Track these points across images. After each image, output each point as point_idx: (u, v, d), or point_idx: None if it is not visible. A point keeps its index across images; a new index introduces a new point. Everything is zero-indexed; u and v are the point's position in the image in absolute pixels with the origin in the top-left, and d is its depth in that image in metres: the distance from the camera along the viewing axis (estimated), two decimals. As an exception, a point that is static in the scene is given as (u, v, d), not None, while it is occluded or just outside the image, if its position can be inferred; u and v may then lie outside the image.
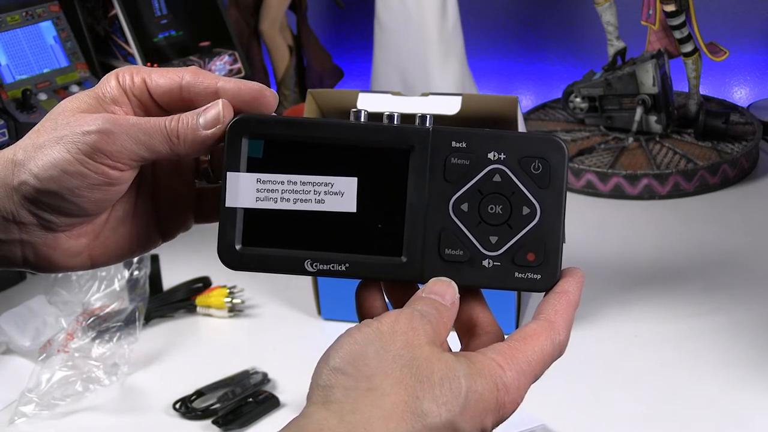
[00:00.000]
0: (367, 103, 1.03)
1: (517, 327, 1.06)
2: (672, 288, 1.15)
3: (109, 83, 0.55)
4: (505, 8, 1.71)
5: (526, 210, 0.53)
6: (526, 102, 1.67)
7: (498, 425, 0.53)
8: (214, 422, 0.95)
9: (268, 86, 0.56)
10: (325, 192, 0.54)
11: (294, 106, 1.42)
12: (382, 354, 0.49)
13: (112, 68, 1.26)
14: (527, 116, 1.54)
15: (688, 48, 1.43)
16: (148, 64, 1.25)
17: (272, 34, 1.48)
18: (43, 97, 1.18)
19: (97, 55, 1.24)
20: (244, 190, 0.54)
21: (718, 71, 1.61)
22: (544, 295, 0.54)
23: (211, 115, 0.53)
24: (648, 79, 1.41)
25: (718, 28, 1.56)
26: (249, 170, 0.54)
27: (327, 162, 0.53)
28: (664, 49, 1.43)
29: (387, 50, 1.39)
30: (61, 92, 1.20)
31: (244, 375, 1.01)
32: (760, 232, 1.27)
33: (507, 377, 0.51)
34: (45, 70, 1.21)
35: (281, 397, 0.99)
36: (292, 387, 1.00)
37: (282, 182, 0.54)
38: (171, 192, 0.59)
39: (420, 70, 1.37)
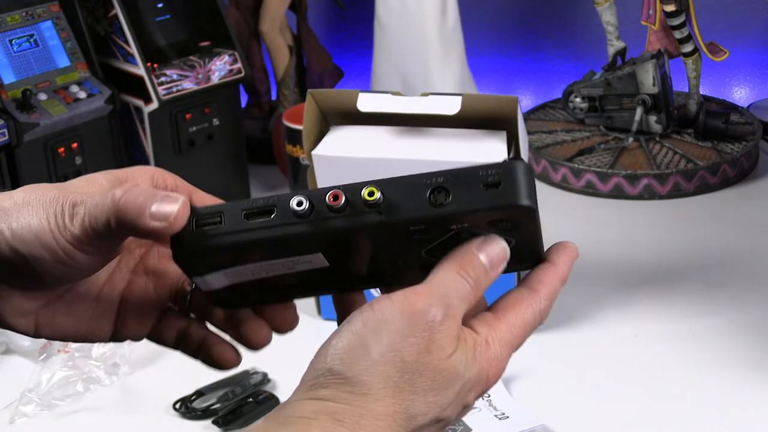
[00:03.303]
0: (367, 103, 1.03)
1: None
2: (672, 288, 1.15)
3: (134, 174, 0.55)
4: (505, 8, 1.71)
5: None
6: (526, 102, 1.67)
7: (481, 396, 0.53)
8: (214, 422, 0.95)
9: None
10: (293, 263, 0.53)
11: (294, 106, 1.42)
12: (387, 357, 0.49)
13: (112, 68, 1.27)
14: (527, 116, 1.54)
15: (688, 48, 1.43)
16: (148, 64, 1.25)
17: (272, 34, 1.48)
18: (43, 97, 1.18)
19: (97, 55, 1.24)
20: (213, 280, 0.53)
21: (718, 71, 1.61)
22: None
23: (163, 212, 0.50)
24: (648, 79, 1.41)
25: (718, 28, 1.56)
26: (212, 271, 0.53)
27: (286, 251, 0.52)
28: (664, 49, 1.43)
29: (387, 50, 1.39)
30: (61, 92, 1.20)
31: (244, 375, 1.01)
32: (760, 232, 1.27)
33: (492, 352, 0.52)
34: (45, 70, 1.21)
35: (281, 397, 0.99)
36: (292, 387, 1.00)
37: (249, 269, 0.53)
38: (140, 301, 0.57)
39: (420, 70, 1.37)
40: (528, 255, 0.55)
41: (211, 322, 0.59)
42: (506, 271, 0.54)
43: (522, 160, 0.51)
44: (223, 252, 0.51)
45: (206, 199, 0.56)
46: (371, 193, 0.49)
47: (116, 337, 0.58)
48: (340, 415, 0.48)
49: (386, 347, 0.49)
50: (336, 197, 0.50)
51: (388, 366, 0.49)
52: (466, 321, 0.52)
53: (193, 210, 0.51)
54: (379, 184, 0.50)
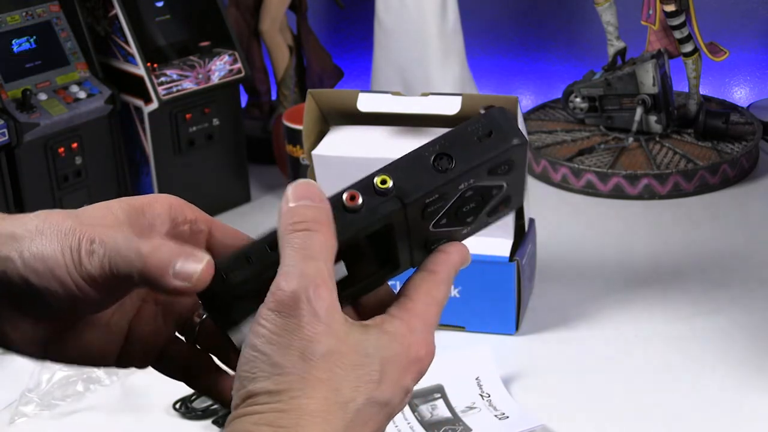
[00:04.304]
0: (367, 103, 1.03)
1: (517, 328, 1.06)
2: (672, 288, 1.15)
3: (155, 204, 0.54)
4: (505, 8, 1.71)
5: (495, 191, 0.55)
6: (526, 102, 1.68)
7: (420, 379, 0.52)
8: (214, 422, 0.95)
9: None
10: None
11: (294, 106, 1.42)
12: (295, 357, 0.48)
13: (112, 68, 1.27)
14: (527, 116, 1.54)
15: (688, 48, 1.43)
16: (148, 64, 1.25)
17: (272, 34, 1.48)
18: (43, 97, 1.18)
19: (97, 55, 1.24)
20: (247, 326, 0.53)
21: (718, 71, 1.61)
22: None
23: (187, 271, 0.50)
24: (648, 79, 1.41)
25: (718, 28, 1.56)
26: (244, 318, 0.52)
27: None
28: (664, 49, 1.43)
29: (387, 50, 1.39)
30: (61, 92, 1.20)
31: (244, 375, 1.01)
32: (760, 232, 1.27)
33: (415, 333, 0.51)
34: (45, 70, 1.21)
35: (281, 397, 0.98)
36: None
37: None
38: (147, 329, 0.57)
39: (420, 70, 1.37)
40: (515, 195, 0.56)
41: (218, 357, 0.58)
42: (496, 219, 0.57)
43: (495, 106, 0.54)
44: (254, 294, 0.51)
45: (226, 230, 0.56)
46: (384, 181, 0.51)
47: (121, 363, 0.57)
48: (279, 421, 0.47)
49: (283, 350, 0.48)
50: (353, 197, 0.51)
51: (298, 364, 0.48)
52: (385, 313, 0.52)
53: (218, 263, 0.51)
54: (386, 171, 0.51)
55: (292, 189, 0.50)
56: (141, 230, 0.53)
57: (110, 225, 0.52)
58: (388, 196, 0.51)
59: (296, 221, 0.49)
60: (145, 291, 0.57)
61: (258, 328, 0.48)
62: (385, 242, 0.53)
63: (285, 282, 0.48)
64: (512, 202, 0.57)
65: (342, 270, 0.53)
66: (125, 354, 0.57)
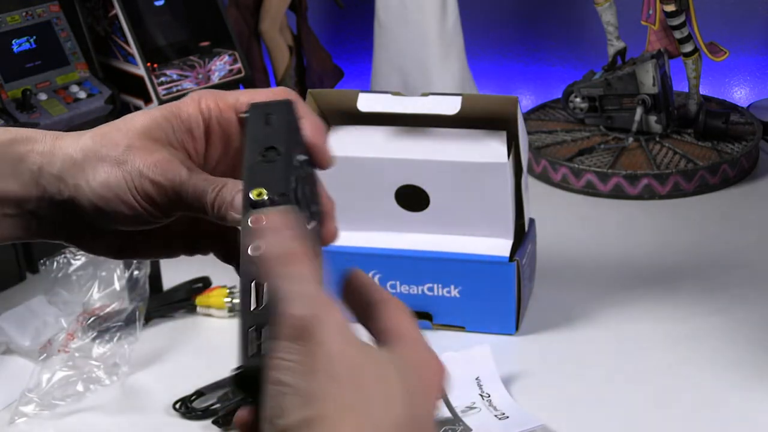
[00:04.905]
0: (367, 103, 1.03)
1: (517, 328, 1.06)
2: (672, 288, 1.15)
3: (188, 109, 0.56)
4: (505, 8, 1.71)
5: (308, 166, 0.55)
6: (526, 102, 1.67)
7: (441, 397, 0.50)
8: (214, 422, 0.95)
9: (268, 86, 0.56)
10: None
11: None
12: (323, 381, 0.45)
13: (112, 68, 1.27)
14: (527, 116, 1.54)
15: (688, 48, 1.43)
16: (148, 64, 1.25)
17: (272, 34, 1.48)
18: (43, 97, 1.18)
19: (97, 55, 1.24)
20: None
21: (718, 71, 1.61)
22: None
23: (237, 204, 0.53)
24: (648, 79, 1.41)
25: (718, 28, 1.56)
26: None
27: None
28: (664, 49, 1.43)
29: (387, 50, 1.39)
30: (61, 92, 1.20)
31: (244, 375, 1.01)
32: (760, 232, 1.27)
33: (422, 352, 0.50)
34: (45, 70, 1.21)
35: (281, 397, 0.98)
36: (292, 387, 1.00)
37: None
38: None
39: (420, 70, 1.37)
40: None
41: None
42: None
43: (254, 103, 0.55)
44: None
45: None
46: (260, 194, 0.50)
47: (193, 249, 0.60)
48: None
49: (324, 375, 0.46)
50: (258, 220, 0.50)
51: (327, 386, 0.45)
52: (389, 337, 0.50)
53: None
54: (249, 185, 0.50)
55: (253, 233, 0.48)
56: (185, 140, 0.56)
57: (160, 141, 0.56)
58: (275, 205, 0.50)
59: (272, 260, 0.47)
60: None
61: (277, 362, 0.46)
62: None
63: (292, 308, 0.46)
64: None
65: None
66: (194, 242, 0.60)
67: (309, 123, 0.55)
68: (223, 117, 0.57)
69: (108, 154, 0.55)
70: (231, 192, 0.54)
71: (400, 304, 0.51)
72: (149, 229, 0.58)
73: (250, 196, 0.49)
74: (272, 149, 0.52)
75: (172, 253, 0.61)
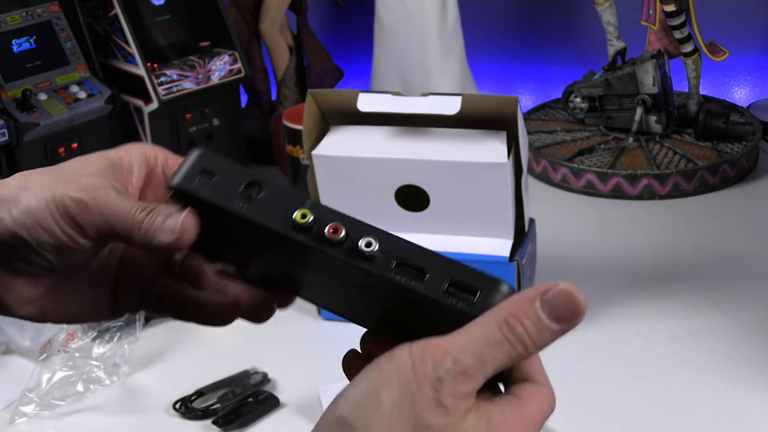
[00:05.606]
0: (367, 103, 1.03)
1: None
2: (672, 288, 1.15)
3: (132, 152, 0.55)
4: (505, 8, 1.71)
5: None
6: (526, 102, 1.67)
7: None
8: (214, 422, 0.95)
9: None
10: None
11: (294, 106, 1.42)
12: (397, 413, 0.45)
13: (112, 68, 1.27)
14: (527, 116, 1.54)
15: (688, 48, 1.43)
16: (148, 64, 1.25)
17: (272, 34, 1.48)
18: (43, 97, 1.18)
19: (97, 55, 1.24)
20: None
21: (718, 71, 1.61)
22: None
23: (170, 225, 0.52)
24: (648, 79, 1.41)
25: (718, 28, 1.56)
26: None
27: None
28: (664, 49, 1.43)
29: (387, 50, 1.39)
30: (61, 92, 1.20)
31: (244, 375, 1.01)
32: (760, 232, 1.27)
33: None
34: (45, 70, 1.21)
35: (281, 397, 0.99)
36: (292, 387, 1.00)
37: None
38: (135, 268, 0.57)
39: (420, 70, 1.37)
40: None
41: (200, 287, 0.58)
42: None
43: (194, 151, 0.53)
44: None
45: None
46: (304, 215, 0.50)
47: (116, 310, 0.57)
48: None
49: (396, 401, 0.45)
50: (336, 230, 0.50)
51: (397, 423, 0.45)
52: (493, 397, 0.49)
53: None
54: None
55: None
56: (121, 177, 0.55)
57: (91, 174, 0.54)
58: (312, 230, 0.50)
59: (533, 343, 0.50)
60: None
61: (388, 363, 0.46)
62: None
63: (445, 347, 0.46)
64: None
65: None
66: (118, 299, 0.57)
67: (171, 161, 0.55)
68: (169, 167, 0.55)
69: (33, 184, 0.53)
70: (163, 213, 0.52)
71: (550, 398, 0.53)
72: (74, 278, 0.55)
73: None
74: (253, 185, 0.51)
75: (105, 310, 0.57)
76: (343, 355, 0.53)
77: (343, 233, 0.49)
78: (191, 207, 0.52)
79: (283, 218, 0.50)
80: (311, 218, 0.50)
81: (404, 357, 0.46)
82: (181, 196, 0.52)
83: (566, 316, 0.49)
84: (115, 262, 0.57)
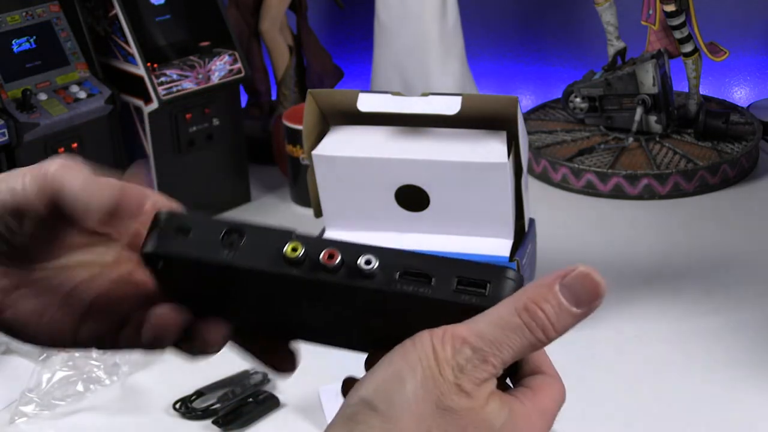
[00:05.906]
0: (367, 103, 1.03)
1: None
2: (672, 288, 1.15)
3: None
4: (505, 8, 1.71)
5: None
6: (526, 102, 1.67)
7: None
8: (214, 422, 0.95)
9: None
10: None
11: (294, 106, 1.42)
12: (420, 395, 0.46)
13: (112, 68, 1.27)
14: (527, 116, 1.54)
15: (688, 48, 1.43)
16: (148, 64, 1.25)
17: (272, 34, 1.48)
18: (43, 97, 1.18)
19: (97, 55, 1.24)
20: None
21: (718, 71, 1.61)
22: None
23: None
24: (648, 79, 1.41)
25: (718, 28, 1.56)
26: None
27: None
28: (664, 49, 1.43)
29: (387, 50, 1.39)
30: (61, 92, 1.20)
31: (244, 375, 1.01)
32: (760, 232, 1.27)
33: (534, 427, 0.49)
34: (45, 70, 1.21)
35: (281, 397, 0.99)
36: (292, 387, 1.00)
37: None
38: (111, 306, 0.55)
39: (420, 70, 1.37)
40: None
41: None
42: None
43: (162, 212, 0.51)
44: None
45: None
46: (294, 249, 0.48)
47: (78, 339, 0.54)
48: None
49: (420, 383, 0.46)
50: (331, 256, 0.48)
51: (420, 404, 0.45)
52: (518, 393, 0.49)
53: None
54: (297, 240, 0.49)
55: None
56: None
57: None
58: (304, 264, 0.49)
59: (554, 328, 0.50)
60: (119, 275, 0.55)
61: (411, 348, 0.47)
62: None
63: (464, 333, 0.47)
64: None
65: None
66: (83, 326, 0.54)
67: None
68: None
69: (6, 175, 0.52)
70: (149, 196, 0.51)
71: (562, 390, 0.51)
72: (49, 282, 0.53)
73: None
74: (232, 231, 0.49)
75: (68, 330, 0.54)
76: (342, 381, 0.53)
77: (339, 257, 0.48)
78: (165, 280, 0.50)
79: (273, 257, 0.48)
80: (302, 250, 0.48)
81: (426, 343, 0.46)
82: (155, 260, 0.50)
83: (586, 299, 0.49)
84: (95, 293, 0.54)
